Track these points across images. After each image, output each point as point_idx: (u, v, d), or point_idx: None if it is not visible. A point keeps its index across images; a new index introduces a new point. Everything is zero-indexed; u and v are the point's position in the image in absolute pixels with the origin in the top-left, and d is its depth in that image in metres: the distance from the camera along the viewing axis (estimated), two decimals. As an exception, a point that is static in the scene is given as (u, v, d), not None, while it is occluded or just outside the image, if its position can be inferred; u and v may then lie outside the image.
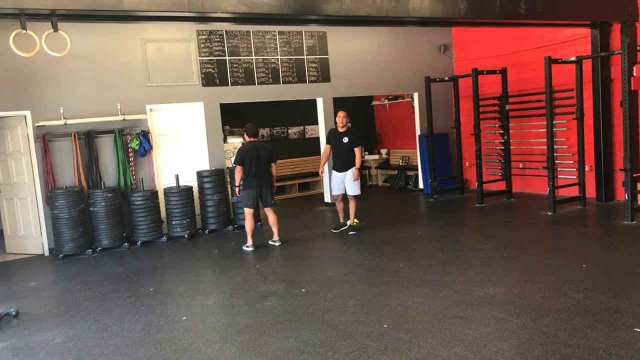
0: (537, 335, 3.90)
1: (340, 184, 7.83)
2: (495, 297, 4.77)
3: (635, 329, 3.86)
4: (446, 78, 10.41)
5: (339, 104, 10.33)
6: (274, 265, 6.76)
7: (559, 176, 8.95)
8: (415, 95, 10.96)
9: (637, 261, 5.77)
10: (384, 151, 13.49)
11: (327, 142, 8.01)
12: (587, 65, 8.59)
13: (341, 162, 7.77)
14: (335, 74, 10.03)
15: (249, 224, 7.32)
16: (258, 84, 9.31)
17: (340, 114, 7.71)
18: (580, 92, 8.41)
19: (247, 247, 7.29)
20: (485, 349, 3.75)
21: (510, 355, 3.65)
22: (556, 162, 8.69)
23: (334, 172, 7.91)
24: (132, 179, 8.21)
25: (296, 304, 5.03)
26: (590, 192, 8.79)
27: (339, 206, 8.06)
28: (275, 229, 7.47)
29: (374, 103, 13.44)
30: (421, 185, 11.37)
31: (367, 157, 13.39)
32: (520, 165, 9.93)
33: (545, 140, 8.40)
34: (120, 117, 8.02)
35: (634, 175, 7.57)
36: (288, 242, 7.52)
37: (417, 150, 11.30)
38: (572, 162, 9.00)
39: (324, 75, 9.92)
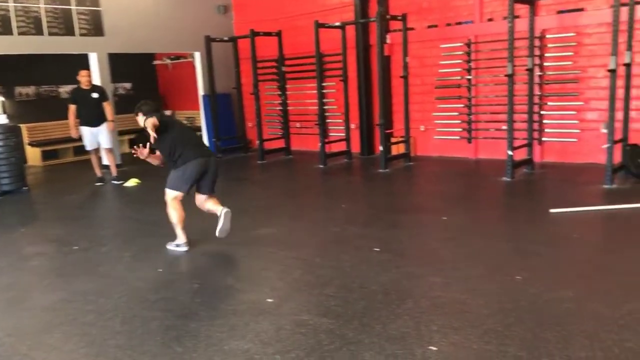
0: (297, 262, 4.40)
1: (94, 138, 8.13)
2: (266, 236, 5.20)
3: (375, 249, 4.59)
4: (226, 38, 10.59)
5: (116, 60, 9.88)
6: (41, 227, 6.32)
7: (330, 134, 9.87)
8: (197, 55, 10.95)
9: (386, 200, 6.76)
10: (168, 112, 13.23)
11: (73, 102, 8.13)
12: (352, 32, 9.52)
13: (93, 118, 8.12)
14: (110, 28, 9.49)
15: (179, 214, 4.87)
16: (18, 34, 8.39)
17: (84, 72, 8.16)
18: (345, 56, 9.30)
19: (181, 245, 4.91)
20: (251, 278, 4.13)
21: (273, 280, 4.08)
22: (327, 120, 9.57)
23: (86, 128, 8.11)
24: None
25: (66, 260, 4.84)
26: (356, 147, 9.87)
27: (95, 160, 8.35)
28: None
29: (155, 62, 13.05)
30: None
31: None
32: (297, 125, 10.66)
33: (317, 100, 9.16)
34: None
35: (387, 130, 8.71)
36: (58, 205, 7.07)
37: (201, 110, 11.37)
38: (340, 120, 9.96)
39: (96, 28, 9.32)
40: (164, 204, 4.80)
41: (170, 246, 4.93)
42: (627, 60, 6.52)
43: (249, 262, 4.48)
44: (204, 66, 10.64)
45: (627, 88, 6.78)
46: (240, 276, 4.16)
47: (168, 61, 12.65)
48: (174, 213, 4.83)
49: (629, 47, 6.52)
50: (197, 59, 10.97)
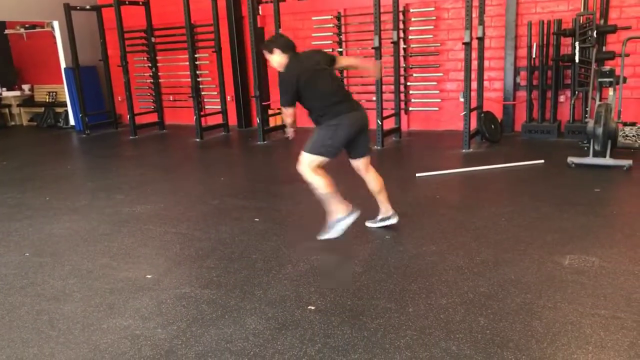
0: (176, 237, 4.36)
1: None
2: (141, 213, 5.06)
3: (255, 220, 4.67)
4: (88, 7, 9.89)
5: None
6: None
7: (206, 106, 9.70)
8: (56, 24, 10.14)
9: (264, 171, 6.85)
10: (26, 87, 12.16)
11: None
12: (223, 3, 9.34)
13: None
14: (-51, -8, 8.48)
15: (326, 180, 3.84)
16: None
17: None
18: (217, 27, 9.12)
19: (344, 217, 3.90)
20: (129, 256, 4.02)
21: (151, 256, 4.02)
22: (201, 93, 9.38)
23: None
24: None
25: None
26: (233, 119, 9.81)
27: None
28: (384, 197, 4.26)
29: (7, 32, 11.86)
30: (72, 122, 10.80)
31: (6, 93, 11.91)
32: (171, 98, 10.34)
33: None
34: None
35: (264, 103, 8.75)
36: None
37: (64, 84, 10.61)
38: (215, 93, 9.81)
39: None
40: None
41: (331, 232, 3.86)
42: (479, 34, 7.12)
43: (125, 240, 4.35)
44: (65, 37, 9.87)
45: (481, 60, 7.40)
46: (117, 254, 4.04)
47: (22, 30, 11.55)
48: (318, 179, 3.72)
49: (481, 22, 7.11)
50: (57, 28, 10.15)
